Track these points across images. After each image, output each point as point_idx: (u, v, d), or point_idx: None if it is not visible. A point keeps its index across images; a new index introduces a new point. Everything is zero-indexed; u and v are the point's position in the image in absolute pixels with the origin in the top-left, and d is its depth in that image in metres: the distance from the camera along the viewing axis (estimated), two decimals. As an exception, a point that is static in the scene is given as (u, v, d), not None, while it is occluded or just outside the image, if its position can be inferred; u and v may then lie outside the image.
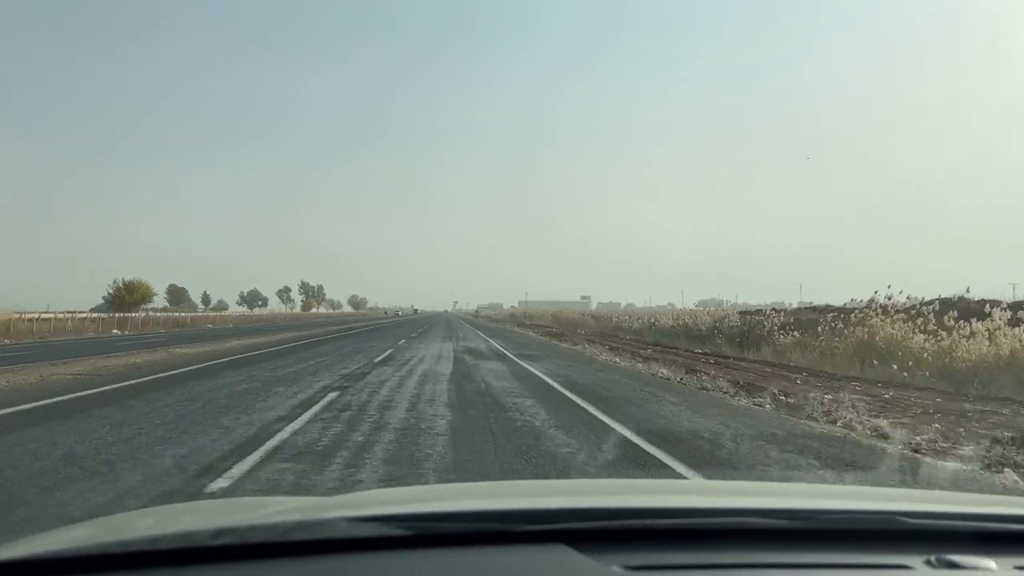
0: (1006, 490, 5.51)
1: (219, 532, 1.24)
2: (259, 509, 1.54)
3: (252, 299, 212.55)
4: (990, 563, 1.23)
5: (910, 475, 5.90)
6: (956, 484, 5.64)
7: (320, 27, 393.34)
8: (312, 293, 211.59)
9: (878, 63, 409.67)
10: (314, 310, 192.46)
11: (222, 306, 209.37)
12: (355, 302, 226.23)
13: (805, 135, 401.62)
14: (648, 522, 1.34)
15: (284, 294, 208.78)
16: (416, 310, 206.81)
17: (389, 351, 21.52)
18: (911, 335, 16.29)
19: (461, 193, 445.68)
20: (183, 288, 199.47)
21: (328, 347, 23.78)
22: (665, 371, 15.47)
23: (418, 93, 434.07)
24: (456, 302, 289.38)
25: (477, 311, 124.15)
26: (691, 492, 2.31)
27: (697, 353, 23.79)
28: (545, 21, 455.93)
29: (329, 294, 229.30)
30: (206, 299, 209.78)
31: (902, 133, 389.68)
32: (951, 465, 6.34)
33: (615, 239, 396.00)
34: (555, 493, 2.01)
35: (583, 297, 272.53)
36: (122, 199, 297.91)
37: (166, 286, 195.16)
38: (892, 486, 5.30)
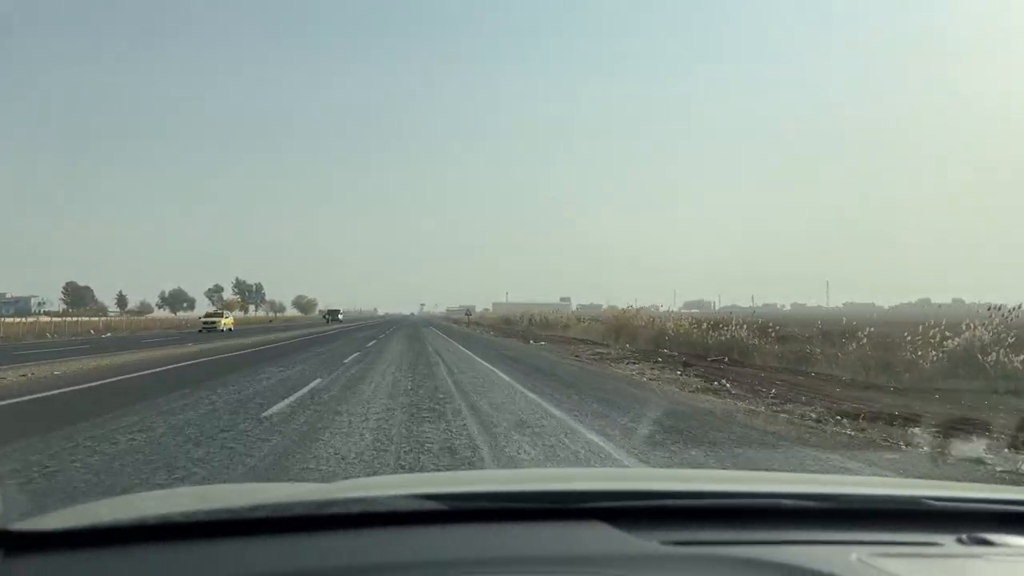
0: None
1: (259, 506, 1.26)
2: (274, 491, 1.53)
3: (176, 300, 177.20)
4: (1021, 540, 1.25)
5: None
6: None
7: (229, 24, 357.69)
8: (249, 293, 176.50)
9: (877, 62, 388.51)
10: (237, 313, 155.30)
11: (145, 308, 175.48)
12: (302, 303, 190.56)
13: (800, 135, 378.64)
14: (682, 502, 1.37)
15: (214, 294, 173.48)
16: (339, 314, 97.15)
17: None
18: None
19: (429, 193, 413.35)
20: (85, 287, 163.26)
21: None
22: None
23: (385, 92, 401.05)
24: (423, 304, 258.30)
25: (469, 314, 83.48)
26: (723, 479, 2.31)
27: None
28: (516, 22, 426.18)
29: (273, 294, 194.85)
30: (122, 300, 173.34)
31: (898, 134, 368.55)
32: None
33: (594, 240, 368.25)
34: (590, 478, 2.13)
35: (563, 299, 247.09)
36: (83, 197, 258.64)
37: (63, 284, 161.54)
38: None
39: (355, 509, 1.25)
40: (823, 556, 1.17)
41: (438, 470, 5.95)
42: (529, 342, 31.33)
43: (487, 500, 1.37)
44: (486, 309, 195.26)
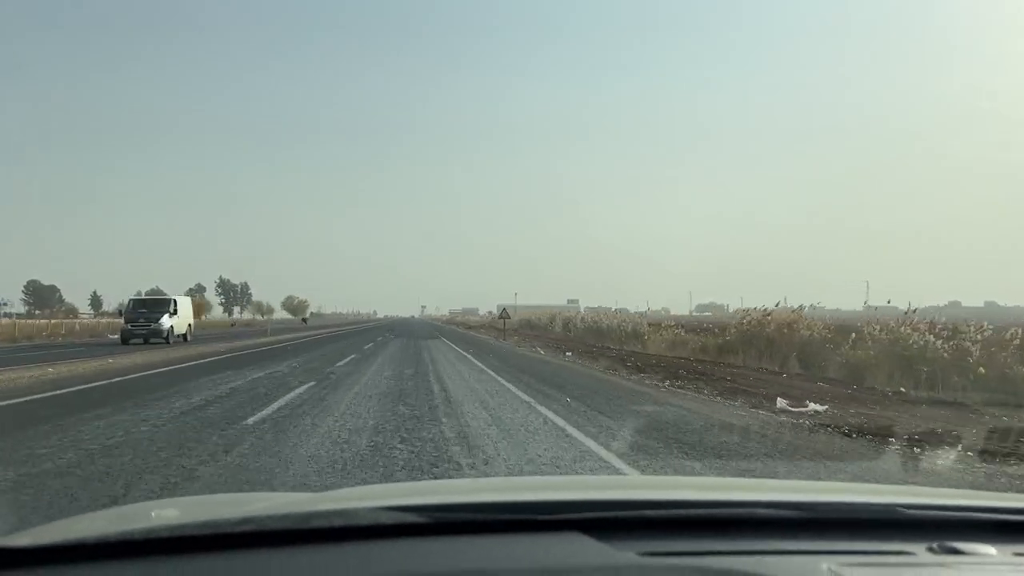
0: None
1: (244, 520, 1.27)
2: (258, 503, 1.56)
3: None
4: (990, 549, 1.27)
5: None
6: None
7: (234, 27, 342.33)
8: (233, 293, 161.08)
9: (896, 60, 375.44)
10: (220, 316, 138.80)
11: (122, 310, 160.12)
12: (291, 305, 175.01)
13: (805, 136, 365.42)
14: (659, 512, 1.38)
15: (195, 294, 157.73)
16: (162, 316, 30.55)
17: None
18: None
19: (430, 194, 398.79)
20: (50, 286, 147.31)
21: None
22: None
23: (385, 90, 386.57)
24: (424, 307, 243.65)
25: (505, 317, 54.20)
26: (700, 487, 2.34)
27: None
28: (520, 25, 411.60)
29: (265, 295, 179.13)
30: (96, 301, 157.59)
31: (916, 135, 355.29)
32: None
33: (602, 242, 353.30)
34: (569, 487, 2.19)
35: (570, 300, 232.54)
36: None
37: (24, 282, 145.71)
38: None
39: (337, 522, 1.28)
40: (795, 567, 1.22)
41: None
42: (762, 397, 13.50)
43: (467, 511, 1.39)
44: (489, 312, 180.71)
